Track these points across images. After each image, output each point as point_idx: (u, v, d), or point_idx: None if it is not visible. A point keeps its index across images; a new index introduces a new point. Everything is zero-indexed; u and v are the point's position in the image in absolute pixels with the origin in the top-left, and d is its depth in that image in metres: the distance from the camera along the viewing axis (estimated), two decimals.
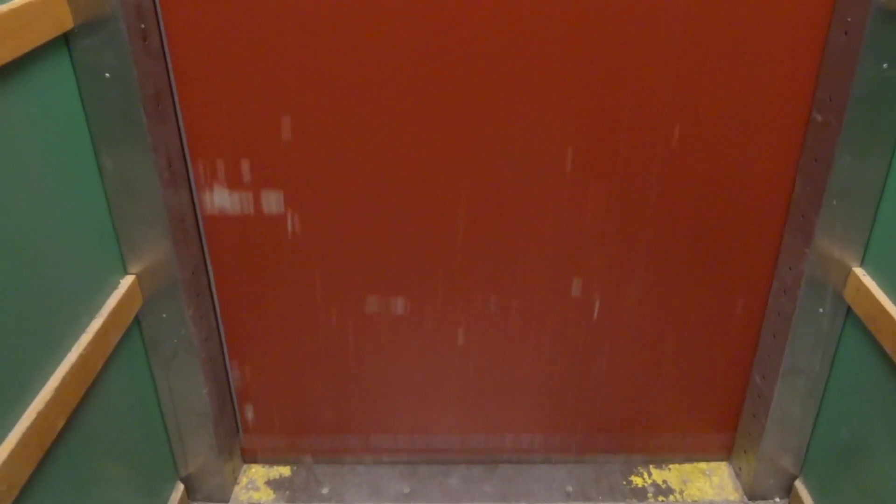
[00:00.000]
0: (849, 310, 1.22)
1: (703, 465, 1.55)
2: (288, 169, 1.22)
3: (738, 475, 1.51)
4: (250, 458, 1.54)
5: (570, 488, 1.50)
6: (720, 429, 1.52)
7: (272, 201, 1.25)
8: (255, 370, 1.43)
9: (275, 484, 1.50)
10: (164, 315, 1.22)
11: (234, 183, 1.23)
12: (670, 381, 1.46)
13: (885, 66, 1.05)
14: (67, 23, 0.95)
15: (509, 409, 1.49)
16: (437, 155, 1.21)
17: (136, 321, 1.21)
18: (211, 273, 1.31)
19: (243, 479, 1.51)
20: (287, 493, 1.48)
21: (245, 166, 1.21)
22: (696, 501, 1.47)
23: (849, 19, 1.06)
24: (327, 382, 1.45)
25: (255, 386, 1.45)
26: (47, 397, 0.91)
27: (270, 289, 1.34)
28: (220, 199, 1.24)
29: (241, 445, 1.52)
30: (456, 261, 1.32)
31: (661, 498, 1.48)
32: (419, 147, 1.21)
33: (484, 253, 1.31)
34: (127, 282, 1.15)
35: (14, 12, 0.84)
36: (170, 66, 1.12)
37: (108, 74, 1.00)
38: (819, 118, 1.15)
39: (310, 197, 1.25)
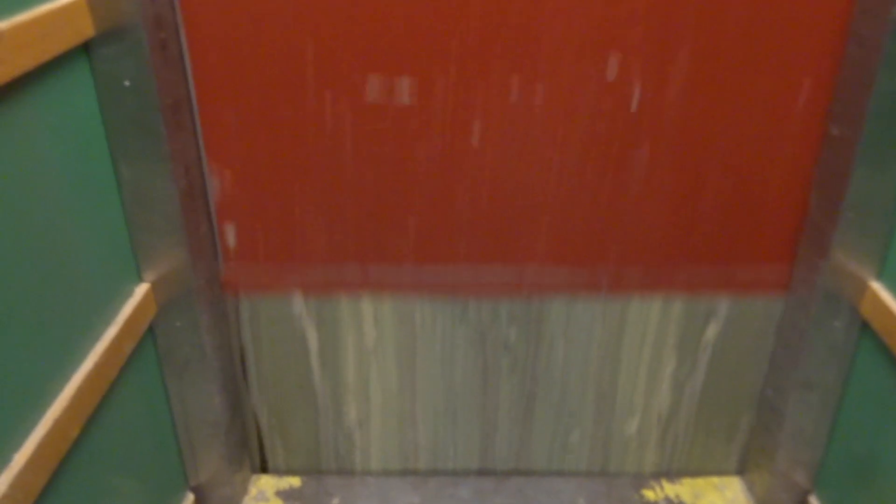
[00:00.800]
0: (864, 324, 1.21)
1: (715, 479, 1.53)
2: None
3: (750, 490, 1.50)
4: (232, 293, 1.35)
5: (581, 502, 1.49)
6: (775, 258, 1.31)
7: None
8: (235, 176, 1.23)
9: (284, 494, 1.50)
10: (178, 324, 1.22)
11: None
12: (721, 194, 1.26)
13: None
14: (88, 31, 0.95)
15: (530, 231, 1.29)
16: None
17: (150, 330, 1.20)
18: (184, 45, 1.12)
19: (253, 490, 1.50)
20: (297, 503, 1.48)
21: None
22: None
23: (863, 32, 1.07)
24: (319, 196, 1.26)
25: (235, 198, 1.25)
26: (63, 405, 0.91)
27: (251, 67, 1.14)
28: None
29: (220, 278, 1.33)
30: (471, 29, 1.12)
31: None
32: None
33: (504, 19, 1.12)
34: (142, 290, 1.15)
35: (36, 21, 0.84)
36: None
37: (127, 83, 1.01)
38: (836, 131, 1.15)
39: None
